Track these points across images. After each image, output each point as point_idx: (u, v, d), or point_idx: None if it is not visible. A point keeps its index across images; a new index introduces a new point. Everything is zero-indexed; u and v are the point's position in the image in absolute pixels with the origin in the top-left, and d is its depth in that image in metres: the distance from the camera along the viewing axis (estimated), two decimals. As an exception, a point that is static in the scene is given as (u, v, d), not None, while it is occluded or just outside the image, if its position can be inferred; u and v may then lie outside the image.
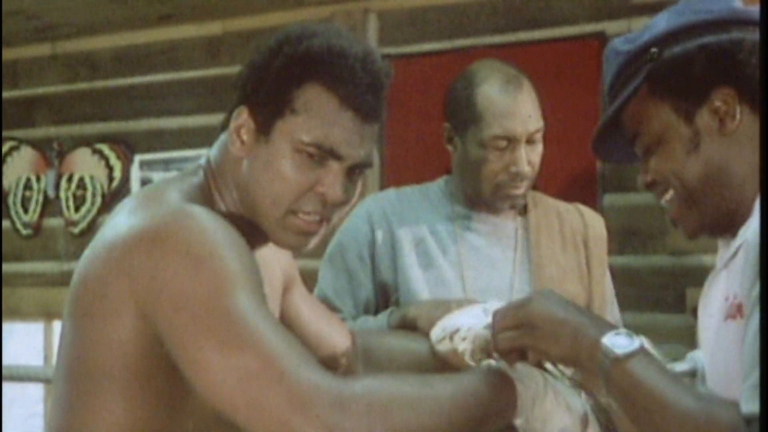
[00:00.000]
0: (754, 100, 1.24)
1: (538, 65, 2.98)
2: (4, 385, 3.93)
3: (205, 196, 1.30)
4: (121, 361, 1.18)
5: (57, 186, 4.06)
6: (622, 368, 1.14)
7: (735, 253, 1.23)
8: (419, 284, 1.89)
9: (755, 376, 1.06)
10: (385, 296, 1.93)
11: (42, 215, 4.10)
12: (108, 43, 3.98)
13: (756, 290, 1.09)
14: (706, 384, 1.28)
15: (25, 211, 4.13)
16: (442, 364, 1.47)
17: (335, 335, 1.58)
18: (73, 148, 4.05)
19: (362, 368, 1.59)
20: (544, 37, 3.21)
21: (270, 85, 1.26)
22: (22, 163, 4.16)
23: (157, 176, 3.82)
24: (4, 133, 4.17)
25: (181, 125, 3.83)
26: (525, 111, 1.86)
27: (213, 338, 1.11)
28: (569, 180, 3.10)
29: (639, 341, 1.16)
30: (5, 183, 4.20)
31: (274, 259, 1.46)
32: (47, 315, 4.11)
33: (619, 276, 2.06)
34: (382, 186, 3.27)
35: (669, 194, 1.31)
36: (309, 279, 1.67)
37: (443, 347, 1.46)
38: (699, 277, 2.84)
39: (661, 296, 3.00)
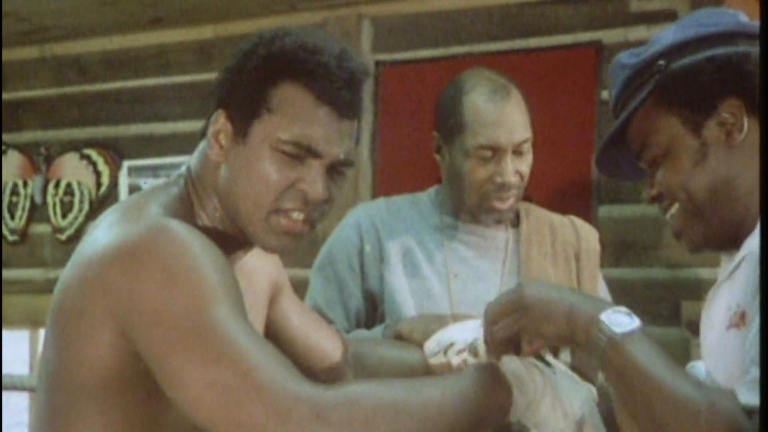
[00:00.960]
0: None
1: (533, 74, 2.96)
2: (-12, 393, 3.88)
3: (185, 206, 1.31)
4: (99, 377, 1.19)
5: (44, 192, 4.01)
6: (620, 348, 1.11)
7: (738, 264, 1.24)
8: (404, 294, 1.88)
9: (755, 370, 1.05)
10: (373, 306, 1.92)
11: (29, 221, 4.05)
12: (98, 47, 3.94)
13: (758, 299, 1.09)
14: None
15: (12, 217, 4.08)
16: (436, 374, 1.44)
17: (326, 342, 1.58)
18: (61, 153, 4.00)
19: (354, 376, 1.58)
20: (540, 45, 3.18)
21: (245, 86, 1.27)
22: (8, 168, 4.11)
23: (145, 183, 3.78)
24: (-8, 137, 4.14)
25: (172, 131, 3.78)
26: (511, 121, 1.86)
27: (191, 353, 1.11)
28: (564, 190, 3.07)
29: (639, 321, 1.12)
30: (-8, 188, 4.16)
31: (260, 267, 1.46)
32: (33, 323, 4.08)
33: (613, 288, 2.04)
34: (375, 193, 3.24)
35: (674, 208, 1.32)
36: (299, 288, 1.66)
37: (437, 361, 1.45)
38: (694, 290, 2.85)
39: (656, 309, 2.98)
